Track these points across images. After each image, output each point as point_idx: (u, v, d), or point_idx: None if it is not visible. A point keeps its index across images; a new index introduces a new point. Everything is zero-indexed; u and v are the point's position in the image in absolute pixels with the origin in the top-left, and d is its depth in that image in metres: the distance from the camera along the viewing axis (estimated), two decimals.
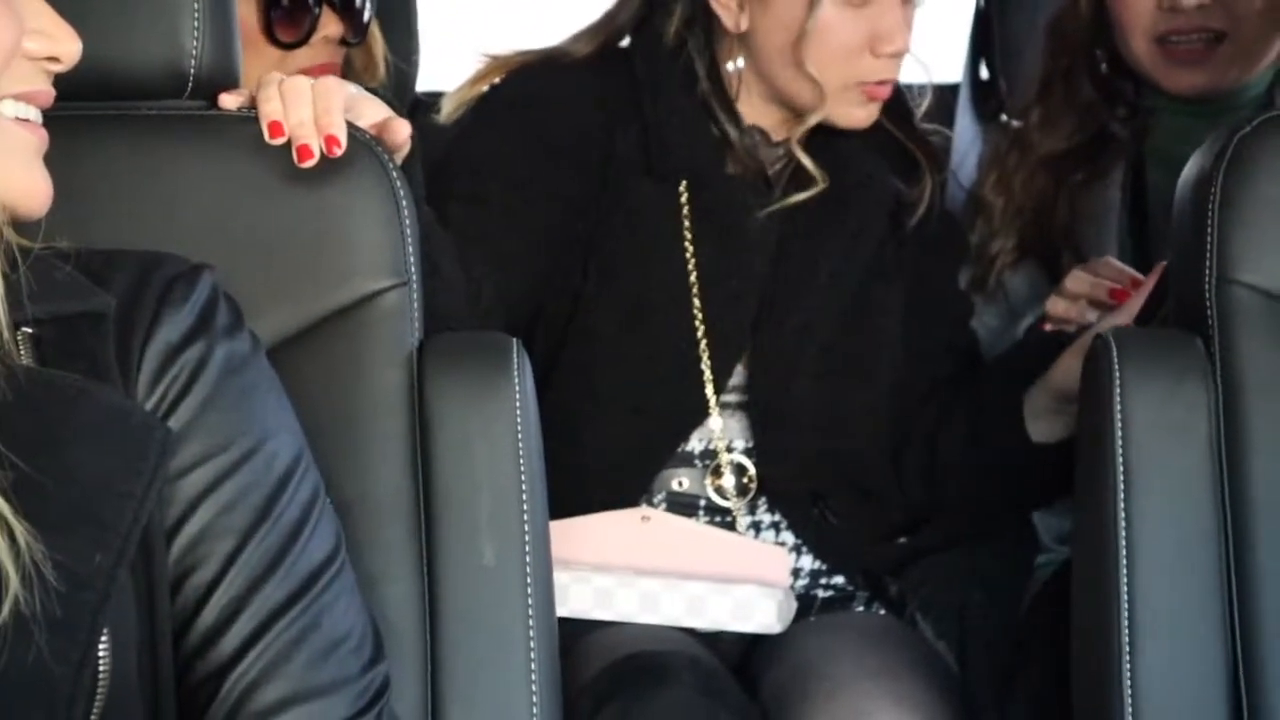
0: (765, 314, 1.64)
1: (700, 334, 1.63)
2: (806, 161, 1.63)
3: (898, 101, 1.70)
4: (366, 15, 1.66)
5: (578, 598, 1.56)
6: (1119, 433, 1.23)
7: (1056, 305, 1.62)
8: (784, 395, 1.64)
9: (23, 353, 0.95)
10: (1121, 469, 1.22)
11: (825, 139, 1.65)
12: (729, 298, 1.63)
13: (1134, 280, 1.59)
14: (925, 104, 1.73)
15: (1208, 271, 1.24)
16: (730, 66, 1.64)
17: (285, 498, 1.00)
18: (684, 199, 1.63)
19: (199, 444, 0.98)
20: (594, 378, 1.63)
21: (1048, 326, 1.64)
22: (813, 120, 1.61)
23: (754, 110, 1.66)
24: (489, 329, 1.50)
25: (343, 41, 1.66)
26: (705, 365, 1.63)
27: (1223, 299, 1.23)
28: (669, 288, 1.63)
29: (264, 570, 0.98)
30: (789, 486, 1.65)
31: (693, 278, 1.63)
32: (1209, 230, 1.24)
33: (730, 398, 1.65)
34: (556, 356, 1.63)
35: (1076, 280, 1.61)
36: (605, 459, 1.62)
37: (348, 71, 1.69)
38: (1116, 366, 1.24)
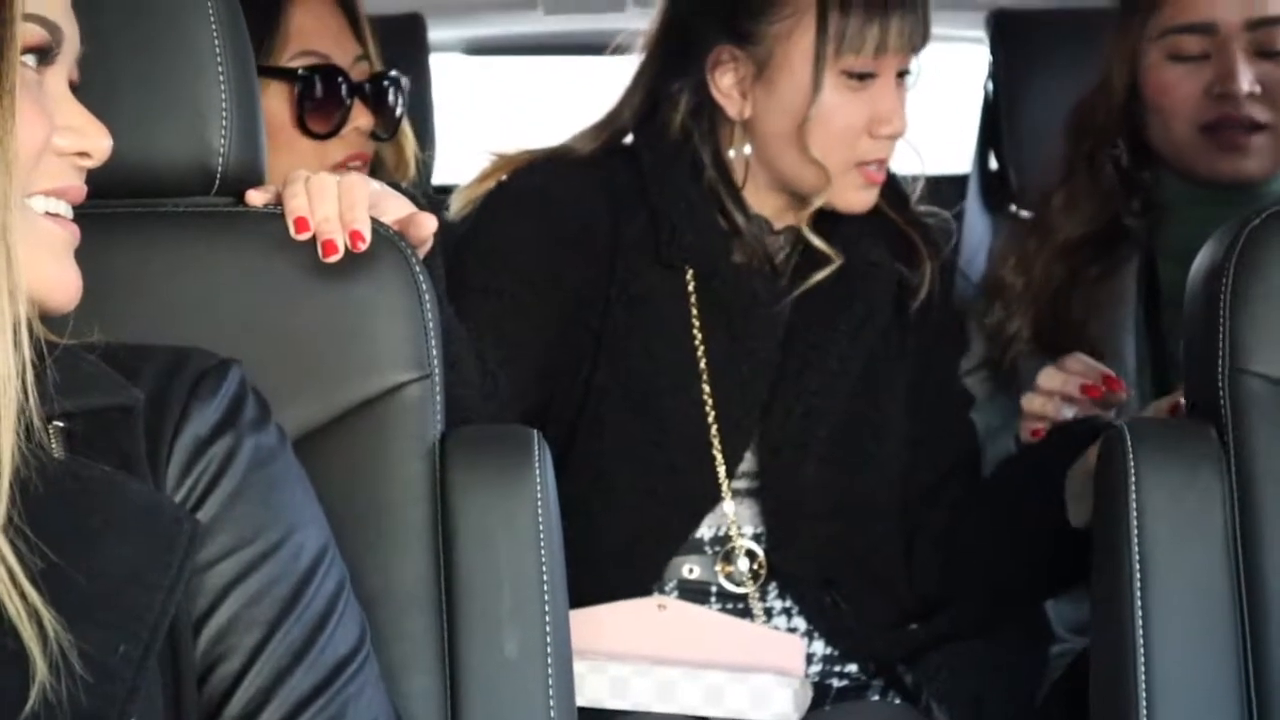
0: (774, 399, 1.66)
1: (711, 419, 1.64)
2: (818, 242, 1.65)
3: (894, 188, 1.73)
4: (398, 110, 1.69)
5: (593, 687, 1.56)
6: (1134, 523, 1.23)
7: (1032, 402, 1.62)
8: (793, 480, 1.65)
9: (54, 445, 0.96)
10: (1138, 559, 1.23)
11: (829, 227, 1.68)
12: (738, 384, 1.65)
13: (1105, 376, 1.60)
14: (918, 190, 1.76)
15: (1221, 362, 1.25)
16: (733, 153, 1.67)
17: (311, 590, 1.01)
18: (691, 286, 1.66)
19: (226, 536, 0.99)
20: (606, 465, 1.64)
21: (1025, 423, 1.64)
22: (817, 203, 1.64)
23: (757, 198, 1.68)
24: (504, 420, 1.53)
25: (374, 135, 1.69)
26: (717, 450, 1.64)
27: (1236, 389, 1.24)
28: (679, 373, 1.65)
29: (290, 662, 0.99)
30: (799, 572, 1.66)
31: (702, 363, 1.65)
32: (1221, 321, 1.25)
33: (740, 484, 1.67)
34: (568, 446, 1.64)
35: (1048, 377, 1.61)
36: (619, 546, 1.63)
37: (379, 169, 1.72)
38: (1131, 456, 1.24)
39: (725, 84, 1.65)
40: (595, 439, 1.64)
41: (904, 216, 1.72)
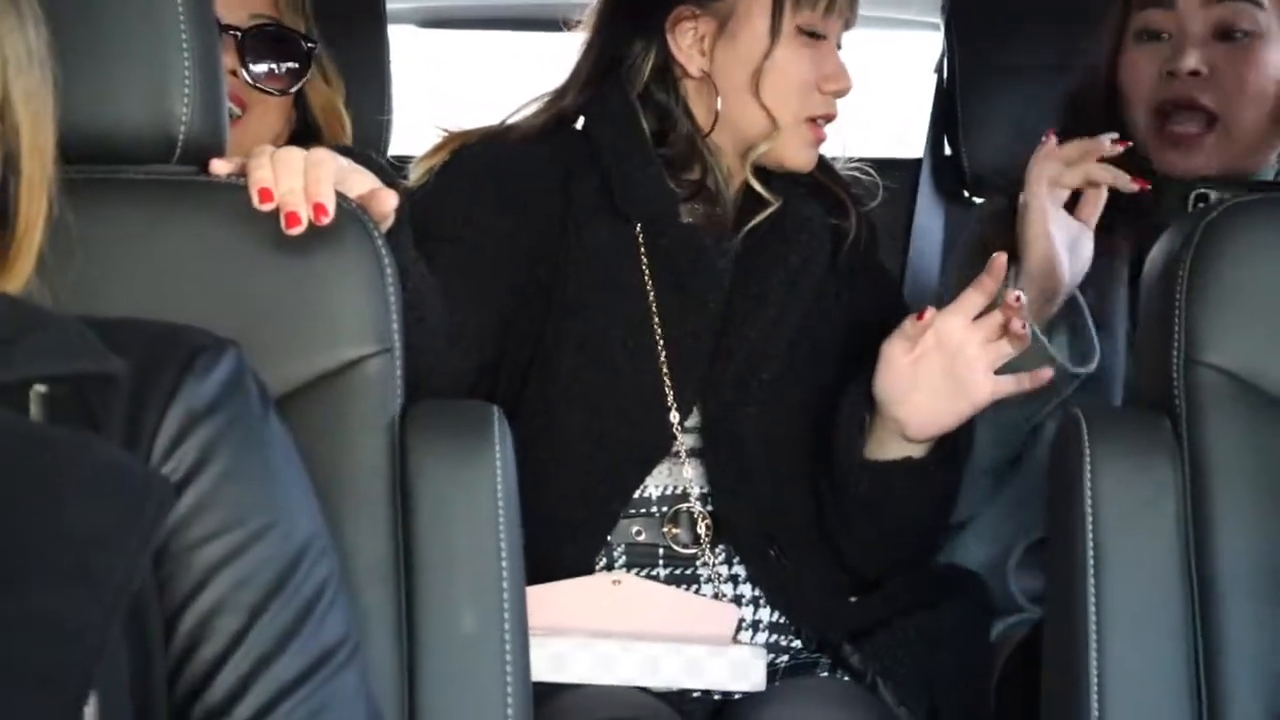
0: (719, 347, 1.71)
1: (664, 368, 1.68)
2: (759, 187, 1.73)
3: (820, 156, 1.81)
4: (281, 65, 1.68)
5: (535, 662, 1.56)
6: (1089, 509, 1.25)
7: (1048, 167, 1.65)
8: (736, 429, 1.69)
9: (34, 409, 0.95)
10: (1091, 545, 1.25)
11: (766, 187, 1.75)
12: (687, 333, 1.70)
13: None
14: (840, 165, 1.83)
15: (1175, 352, 1.27)
16: (700, 108, 1.73)
17: (299, 576, 1.00)
18: (641, 240, 1.71)
19: (216, 517, 0.98)
20: (558, 412, 1.66)
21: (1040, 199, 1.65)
22: (763, 148, 1.71)
23: (724, 162, 1.74)
24: (466, 370, 1.58)
25: (257, 86, 1.67)
26: (669, 395, 1.68)
27: (1190, 380, 1.26)
28: (630, 323, 1.69)
29: (274, 648, 0.98)
30: (742, 525, 1.68)
31: (653, 314, 1.69)
32: (1176, 312, 1.27)
33: (689, 440, 1.69)
34: (518, 397, 1.67)
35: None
36: (569, 496, 1.65)
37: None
38: (1086, 444, 1.26)
39: (685, 43, 1.72)
40: (548, 385, 1.67)
41: (831, 177, 1.81)
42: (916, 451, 1.64)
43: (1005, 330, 1.58)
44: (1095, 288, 1.72)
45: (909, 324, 1.60)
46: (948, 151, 2.27)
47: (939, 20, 2.37)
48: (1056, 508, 1.30)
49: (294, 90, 1.71)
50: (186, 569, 0.98)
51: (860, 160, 1.84)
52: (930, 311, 1.59)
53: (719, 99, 1.72)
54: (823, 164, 1.80)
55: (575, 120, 1.76)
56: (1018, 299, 1.56)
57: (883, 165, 1.90)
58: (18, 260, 1.02)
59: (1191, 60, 1.73)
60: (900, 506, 1.66)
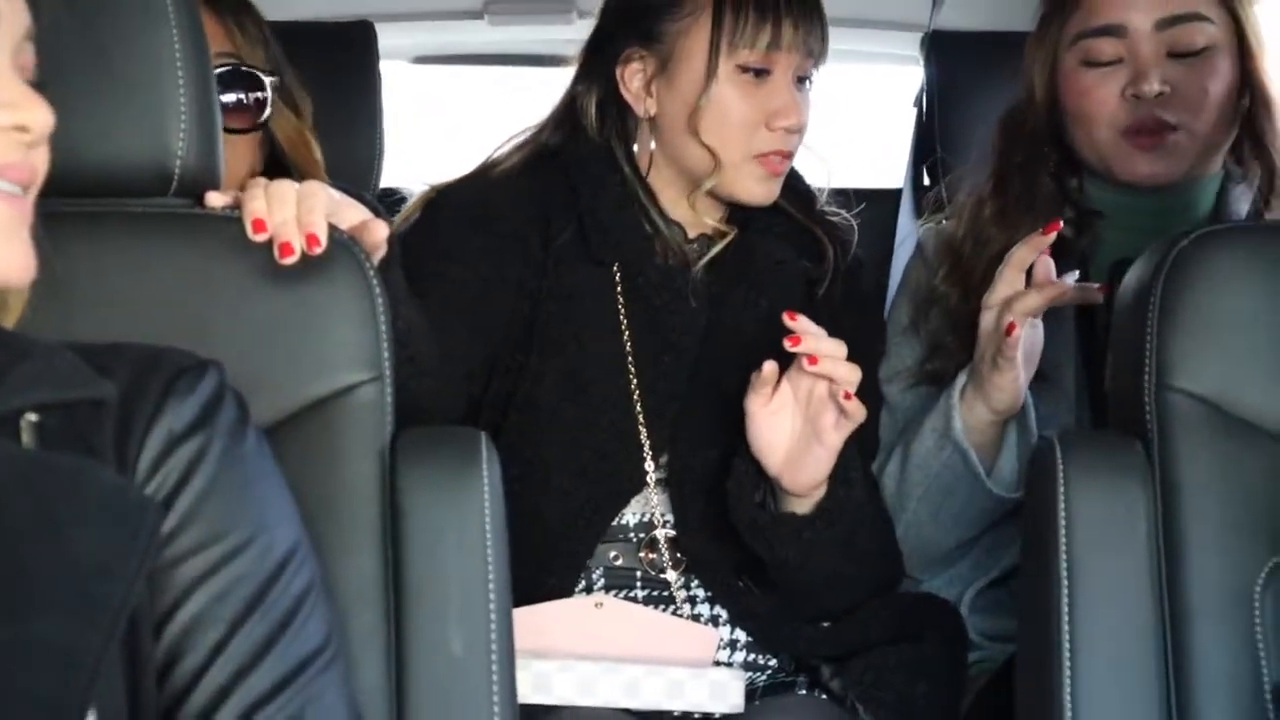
0: (691, 389, 1.73)
1: (638, 407, 1.70)
2: (712, 220, 1.75)
3: (799, 191, 1.81)
4: (246, 98, 1.70)
5: (518, 683, 1.58)
6: (1063, 531, 1.27)
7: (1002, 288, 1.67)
8: (703, 468, 1.71)
9: (26, 438, 0.97)
10: (1065, 566, 1.27)
11: (740, 236, 1.77)
12: (661, 374, 1.72)
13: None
14: (822, 198, 1.84)
15: (1147, 378, 1.30)
16: (639, 149, 1.75)
17: (278, 589, 1.02)
18: (618, 280, 1.73)
19: (196, 533, 1.01)
20: (538, 447, 1.69)
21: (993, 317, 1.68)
22: (708, 185, 1.72)
23: (673, 205, 1.77)
24: (458, 399, 1.61)
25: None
26: (643, 435, 1.70)
27: (1162, 404, 1.29)
28: (607, 363, 1.71)
29: (251, 660, 1.01)
30: (711, 559, 1.71)
31: (629, 354, 1.71)
32: (1148, 338, 1.30)
33: (660, 473, 1.72)
34: (498, 429, 1.69)
35: (1010, 264, 1.68)
36: (551, 527, 1.67)
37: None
38: (1061, 468, 1.28)
39: (635, 86, 1.75)
40: (528, 421, 1.69)
41: (809, 216, 1.81)
42: (801, 508, 1.64)
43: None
44: (1045, 331, 1.72)
45: (754, 377, 1.60)
46: (926, 181, 2.30)
47: (918, 55, 2.41)
48: (1030, 529, 1.32)
49: (259, 126, 1.72)
50: (168, 584, 1.00)
51: (841, 190, 1.85)
52: (769, 365, 1.59)
53: (653, 142, 1.74)
54: (799, 199, 1.81)
55: (551, 159, 1.77)
56: (810, 360, 1.56)
57: (864, 195, 1.93)
58: (10, 295, 1.04)
59: (1155, 84, 1.75)
60: (804, 561, 1.65)
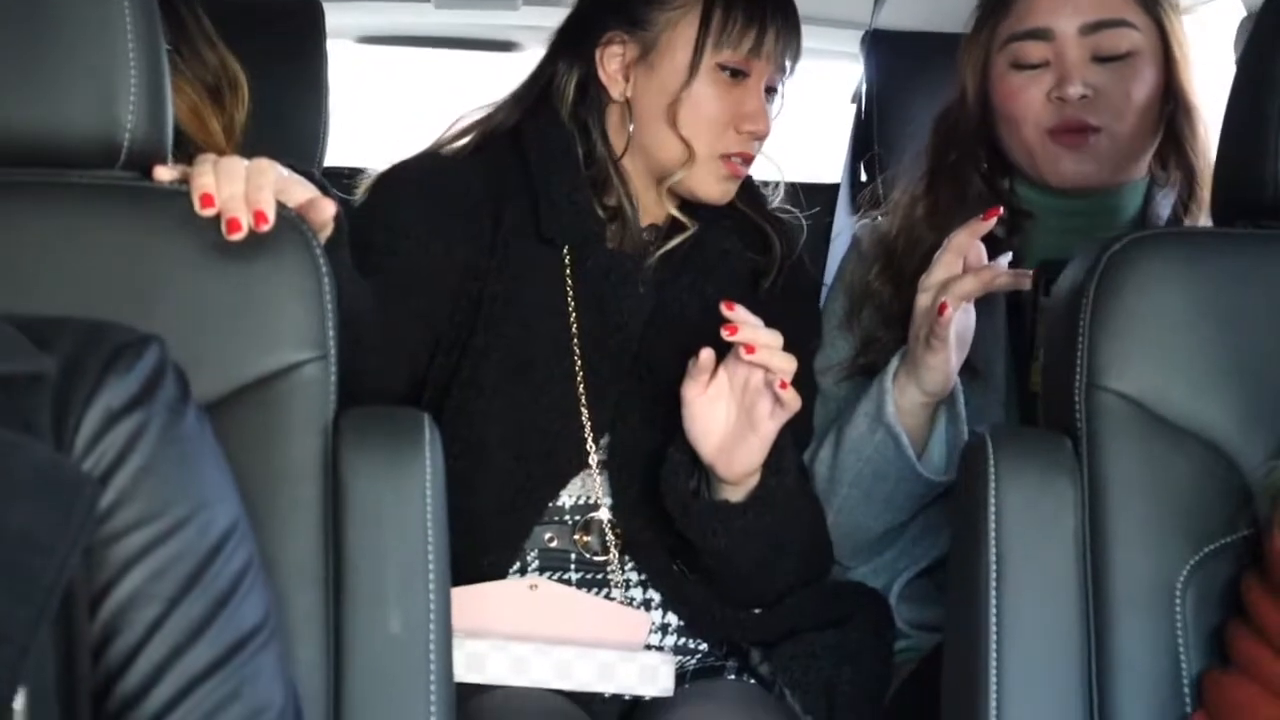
0: (634, 373, 1.74)
1: (580, 387, 1.72)
2: (675, 211, 1.77)
3: (752, 189, 1.85)
4: None
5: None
6: (992, 525, 1.30)
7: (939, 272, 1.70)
8: (642, 452, 1.72)
9: None
10: (994, 559, 1.29)
11: (689, 218, 1.79)
12: (606, 356, 1.73)
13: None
14: (780, 194, 1.88)
15: (1078, 378, 1.32)
16: (614, 132, 1.76)
17: (216, 567, 1.02)
18: (568, 262, 1.74)
19: (134, 510, 1.00)
20: (479, 425, 1.69)
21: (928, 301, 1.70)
22: (678, 176, 1.75)
23: (636, 191, 1.78)
24: (400, 377, 1.63)
25: None
26: (585, 415, 1.72)
27: (1091, 404, 1.32)
28: (552, 343, 1.72)
29: (187, 637, 1.00)
30: (646, 542, 1.73)
31: (574, 336, 1.73)
32: (1080, 339, 1.32)
33: (600, 455, 1.73)
34: (440, 406, 1.70)
35: (949, 249, 1.70)
36: (487, 506, 1.68)
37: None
38: (992, 463, 1.31)
39: (612, 68, 1.76)
40: (472, 398, 1.70)
41: (759, 213, 1.85)
42: (734, 495, 1.67)
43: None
44: (976, 330, 1.75)
45: (690, 364, 1.62)
46: (864, 177, 2.33)
47: (858, 52, 2.43)
48: (961, 522, 1.34)
49: None
50: (105, 561, 0.99)
51: (781, 184, 1.88)
52: (705, 352, 1.61)
53: (631, 125, 1.76)
54: (752, 198, 1.84)
55: (505, 139, 1.79)
56: (747, 348, 1.58)
57: (802, 189, 1.95)
58: None
59: (1078, 87, 1.78)
60: (735, 548, 1.68)
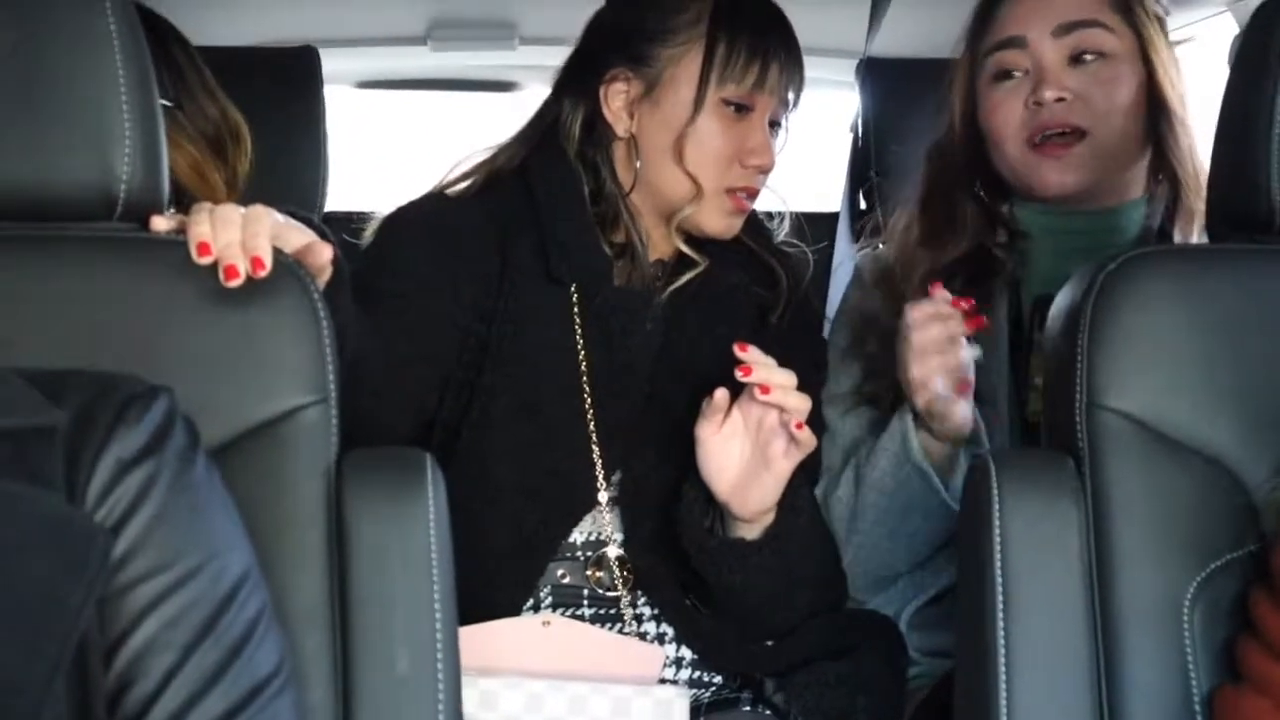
0: (645, 411, 1.75)
1: (591, 425, 1.72)
2: (685, 247, 1.78)
3: (756, 224, 1.86)
4: None
5: (465, 700, 1.59)
6: (997, 547, 1.30)
7: (913, 342, 1.67)
8: (654, 489, 1.73)
9: None
10: (1000, 581, 1.29)
11: (699, 253, 1.79)
12: (615, 395, 1.74)
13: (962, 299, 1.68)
14: (785, 228, 1.89)
15: (1078, 397, 1.32)
16: (621, 167, 1.77)
17: (230, 615, 1.03)
18: (575, 301, 1.74)
19: (147, 560, 1.01)
20: (490, 465, 1.70)
21: (920, 383, 1.68)
22: (687, 211, 1.75)
23: (643, 223, 1.78)
24: (406, 418, 1.64)
25: None
26: (596, 453, 1.72)
27: (1092, 423, 1.32)
28: (562, 383, 1.73)
29: (204, 685, 1.01)
30: (659, 578, 1.73)
31: (584, 372, 1.73)
32: (1079, 359, 1.32)
33: (612, 492, 1.73)
34: (451, 446, 1.70)
35: (917, 309, 1.68)
36: (500, 545, 1.69)
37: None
38: (995, 485, 1.31)
39: (616, 105, 1.77)
40: (482, 438, 1.70)
41: (766, 247, 1.85)
42: (749, 533, 1.67)
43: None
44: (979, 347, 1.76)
45: (705, 404, 1.63)
46: (863, 205, 2.33)
47: (853, 81, 2.44)
48: (966, 545, 1.34)
49: None
50: (119, 611, 1.00)
51: (786, 217, 1.89)
52: (720, 392, 1.62)
53: (638, 161, 1.76)
54: (757, 233, 1.85)
55: (511, 179, 1.79)
56: (762, 389, 1.59)
57: (803, 219, 1.95)
58: None
59: (1053, 90, 1.78)
60: (749, 585, 1.68)
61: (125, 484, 1.01)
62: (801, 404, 1.59)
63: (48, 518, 0.98)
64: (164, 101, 1.70)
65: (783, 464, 1.61)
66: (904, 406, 1.74)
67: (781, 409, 1.60)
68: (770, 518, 1.66)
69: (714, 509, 1.68)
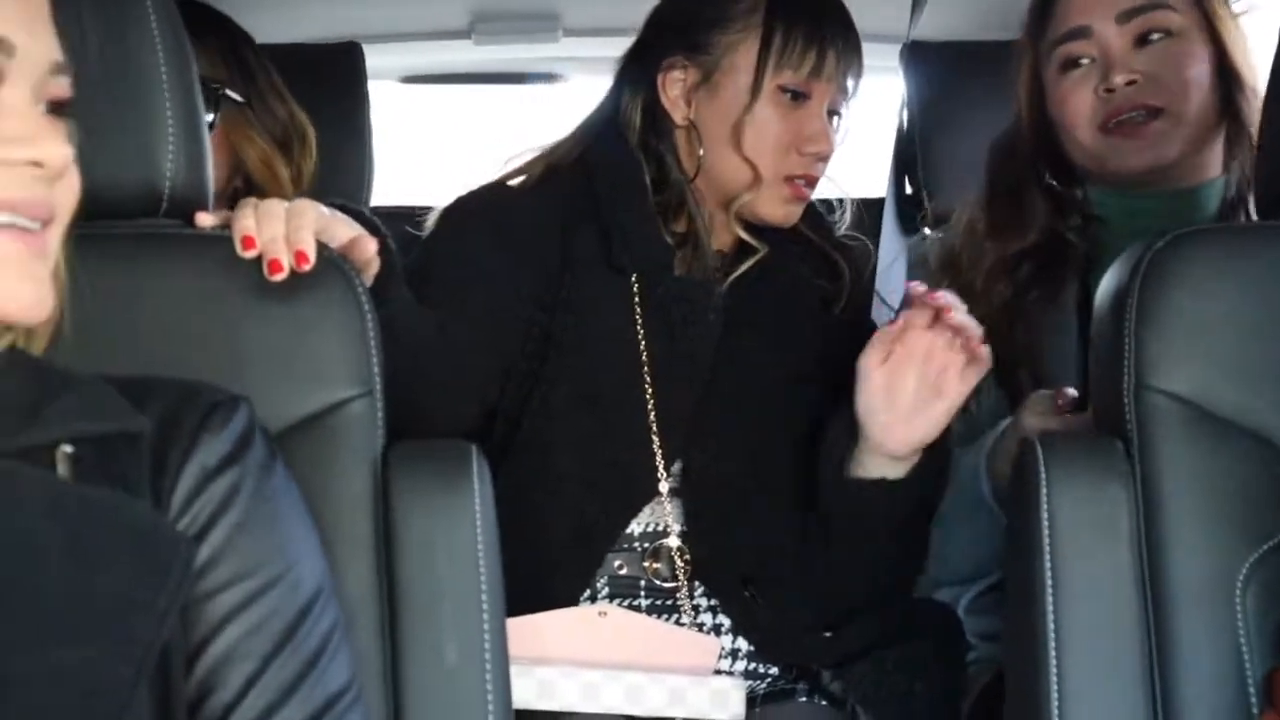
0: (705, 401, 1.74)
1: (651, 415, 1.72)
2: (745, 234, 1.78)
3: (817, 215, 1.86)
4: None
5: (521, 690, 1.60)
6: (1046, 531, 1.29)
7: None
8: (714, 479, 1.73)
9: (61, 470, 0.98)
10: (1049, 565, 1.28)
11: (760, 247, 1.78)
12: (676, 385, 1.73)
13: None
14: (847, 219, 1.88)
15: (1126, 379, 1.31)
16: (684, 155, 1.77)
17: (308, 625, 1.04)
18: (636, 291, 1.74)
19: (229, 567, 1.02)
20: (551, 455, 1.70)
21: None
22: (746, 198, 1.75)
23: (706, 211, 1.78)
24: (472, 407, 1.64)
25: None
26: (656, 443, 1.72)
27: (1141, 405, 1.31)
28: (622, 373, 1.73)
29: (280, 696, 1.02)
30: (719, 569, 1.73)
31: (644, 364, 1.73)
32: (1126, 340, 1.31)
33: (670, 482, 1.73)
34: (512, 436, 1.70)
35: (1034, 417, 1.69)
36: (559, 536, 1.69)
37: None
38: (1043, 469, 1.30)
39: (673, 93, 1.77)
40: (541, 428, 1.71)
41: (826, 239, 1.85)
42: (894, 472, 1.67)
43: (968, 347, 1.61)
44: (1048, 339, 1.75)
45: (879, 332, 1.63)
46: (909, 190, 2.32)
47: (898, 65, 2.43)
48: (1014, 530, 1.33)
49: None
50: (200, 618, 1.01)
51: (847, 207, 1.89)
52: (898, 321, 1.62)
53: (701, 149, 1.76)
54: (817, 224, 1.84)
55: (571, 169, 1.80)
56: (945, 310, 1.59)
57: (861, 205, 1.95)
58: (41, 322, 1.04)
59: (1123, 74, 1.78)
60: (877, 530, 1.68)
61: (209, 492, 1.02)
62: (976, 325, 1.60)
63: (135, 524, 0.98)
64: (235, 97, 1.73)
65: (959, 388, 1.61)
66: (981, 444, 1.74)
67: (963, 329, 1.59)
68: (917, 458, 1.65)
69: (850, 447, 1.67)
